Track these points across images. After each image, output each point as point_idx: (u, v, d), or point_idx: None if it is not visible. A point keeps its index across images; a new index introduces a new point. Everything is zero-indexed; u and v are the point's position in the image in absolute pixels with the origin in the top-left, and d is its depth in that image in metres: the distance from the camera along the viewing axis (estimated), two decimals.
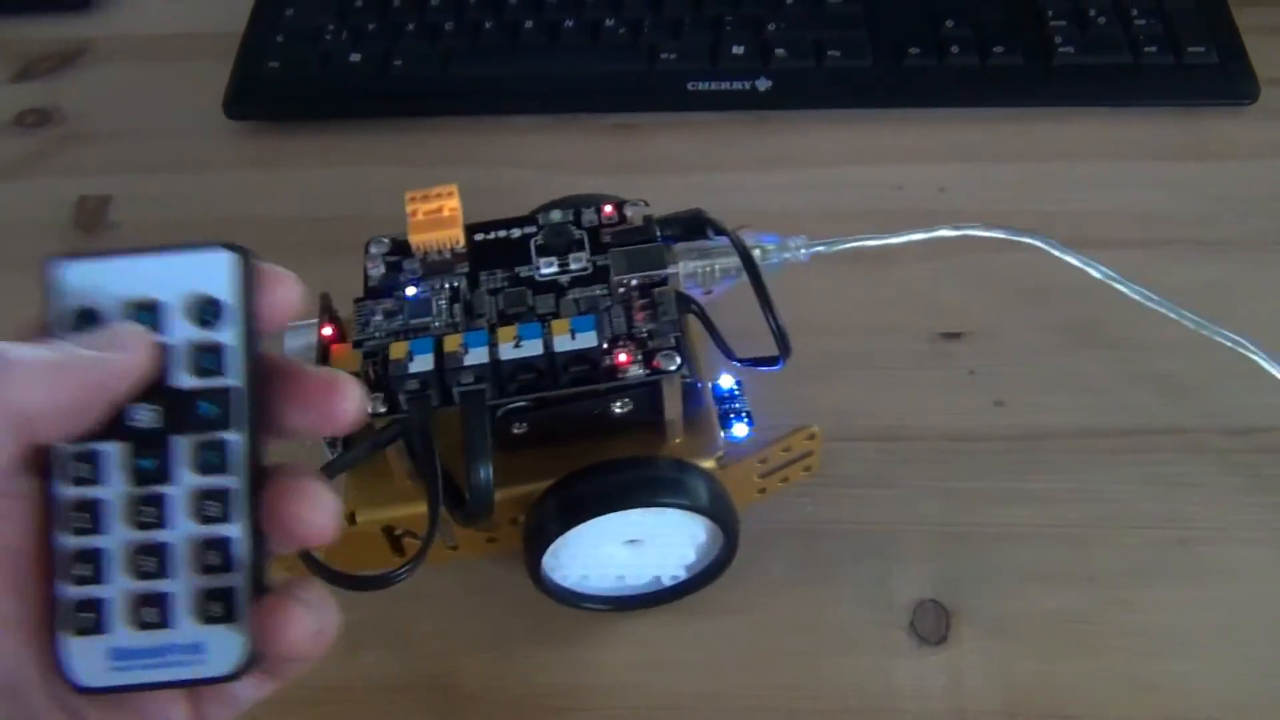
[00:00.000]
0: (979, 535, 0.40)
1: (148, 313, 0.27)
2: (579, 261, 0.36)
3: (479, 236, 0.37)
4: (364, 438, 0.34)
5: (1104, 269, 0.39)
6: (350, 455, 0.34)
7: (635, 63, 0.56)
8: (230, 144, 0.56)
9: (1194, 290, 0.42)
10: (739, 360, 0.37)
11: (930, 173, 0.52)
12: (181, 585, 0.27)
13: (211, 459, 0.27)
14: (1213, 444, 0.41)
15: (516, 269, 0.36)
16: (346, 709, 0.37)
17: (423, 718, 0.37)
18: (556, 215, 0.38)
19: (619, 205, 0.38)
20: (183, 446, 0.27)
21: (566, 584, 0.38)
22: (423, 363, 0.33)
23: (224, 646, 0.26)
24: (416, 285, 0.36)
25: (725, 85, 0.55)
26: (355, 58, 0.57)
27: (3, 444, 0.24)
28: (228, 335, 0.27)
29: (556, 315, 0.34)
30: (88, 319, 0.27)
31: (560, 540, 0.35)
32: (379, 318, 0.35)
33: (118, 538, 0.27)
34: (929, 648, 0.37)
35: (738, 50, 0.56)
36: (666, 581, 0.38)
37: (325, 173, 0.55)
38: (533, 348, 0.33)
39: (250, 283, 0.27)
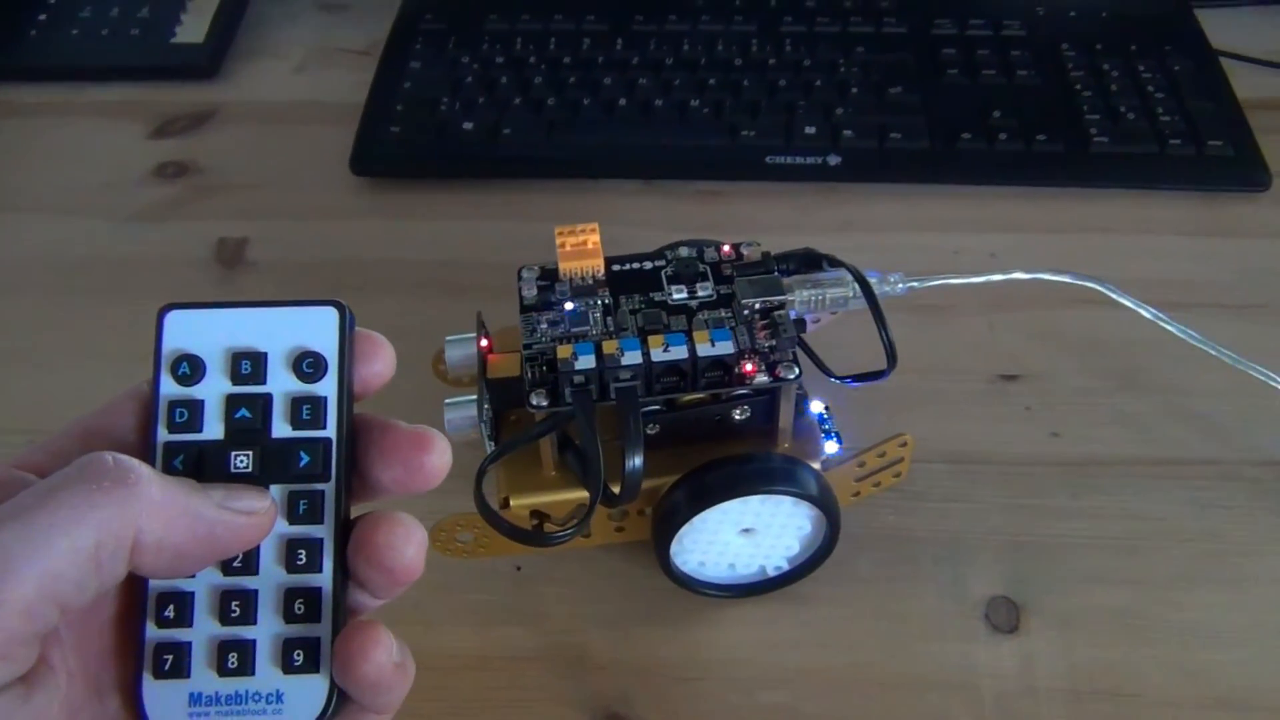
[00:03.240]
0: (1042, 544, 0.45)
1: (251, 362, 0.28)
2: (705, 289, 0.42)
3: (616, 267, 0.43)
4: (523, 431, 0.39)
5: (1154, 310, 0.46)
6: (511, 442, 0.39)
7: (718, 138, 0.63)
8: (355, 197, 0.63)
9: (1226, 343, 0.48)
10: (845, 378, 0.42)
11: (983, 240, 0.59)
12: (267, 632, 0.27)
13: (305, 509, 0.27)
14: (1245, 474, 0.47)
15: (651, 294, 0.42)
16: (489, 675, 0.42)
17: (557, 683, 0.42)
18: (684, 251, 0.44)
19: (735, 245, 0.44)
20: (277, 495, 0.27)
21: (686, 569, 0.43)
22: (586, 361, 0.38)
23: (304, 697, 0.27)
24: (573, 301, 0.42)
25: (800, 160, 0.62)
26: (468, 125, 0.64)
27: (113, 570, 0.25)
28: (328, 389, 0.28)
29: (690, 331, 0.40)
30: (192, 366, 0.28)
31: (687, 525, 0.40)
32: (544, 326, 0.41)
33: (206, 581, 0.27)
34: (1002, 635, 0.42)
35: (810, 130, 0.63)
36: (771, 572, 0.43)
37: (441, 224, 0.61)
38: (679, 352, 0.38)
39: (350, 339, 0.28)
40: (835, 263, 0.44)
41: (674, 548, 0.41)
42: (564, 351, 0.39)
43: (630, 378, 0.38)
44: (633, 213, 0.62)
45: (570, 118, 0.64)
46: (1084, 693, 0.41)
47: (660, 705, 0.41)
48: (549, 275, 0.43)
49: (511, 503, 0.41)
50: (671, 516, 0.40)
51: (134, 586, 0.27)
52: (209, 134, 0.67)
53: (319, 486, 0.28)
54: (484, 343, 0.42)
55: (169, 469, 0.28)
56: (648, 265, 0.44)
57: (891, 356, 0.41)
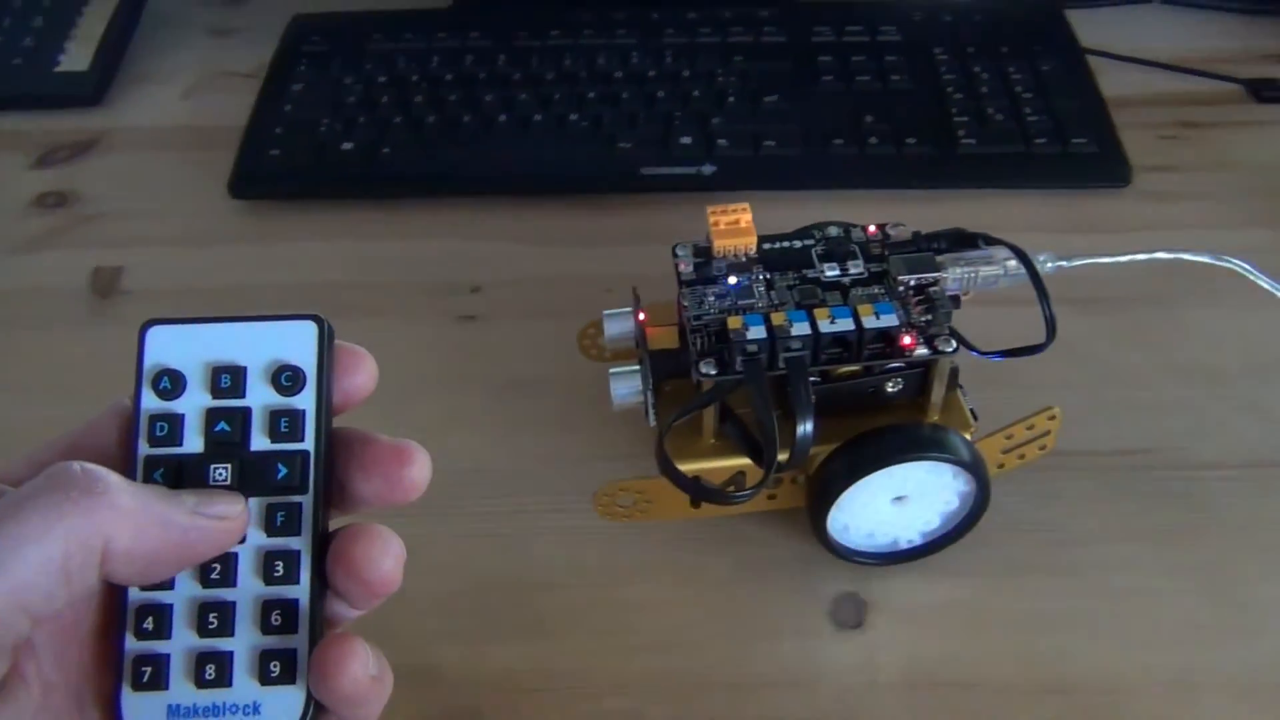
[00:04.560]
0: None
1: (230, 376, 0.28)
2: (857, 267, 0.43)
3: (766, 245, 0.44)
4: (695, 397, 0.41)
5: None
6: (689, 406, 0.40)
7: (595, 150, 0.64)
8: (235, 221, 0.63)
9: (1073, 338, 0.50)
10: (991, 353, 0.43)
11: None
12: (244, 644, 0.27)
13: (282, 521, 0.28)
14: (1084, 464, 0.48)
15: (804, 271, 0.43)
16: None
17: (406, 702, 0.42)
18: (833, 230, 0.45)
19: (881, 225, 0.45)
20: (255, 507, 0.28)
21: (837, 536, 0.44)
22: (757, 332, 0.39)
23: (281, 708, 0.27)
24: (735, 276, 0.42)
25: (675, 170, 0.63)
26: (348, 146, 0.64)
27: (83, 579, 0.25)
28: (306, 402, 0.28)
29: (853, 305, 0.41)
30: (173, 380, 0.28)
31: (847, 492, 0.41)
32: (711, 299, 0.42)
33: (185, 594, 0.27)
34: (847, 632, 0.43)
35: (686, 140, 0.64)
36: (922, 539, 0.45)
37: (321, 245, 0.61)
38: (845, 324, 0.40)
39: (330, 352, 0.29)
40: (991, 241, 0.45)
41: (830, 515, 0.42)
42: (734, 322, 0.40)
43: (800, 348, 0.39)
44: (513, 227, 0.62)
45: (450, 135, 0.65)
46: (922, 685, 0.42)
47: (509, 718, 0.41)
48: (703, 253, 0.44)
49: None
50: (831, 483, 0.41)
51: (114, 599, 0.28)
52: (92, 163, 0.67)
53: (297, 499, 0.28)
54: (642, 316, 0.43)
55: (149, 482, 0.28)
56: (797, 244, 0.44)
57: (1051, 330, 0.43)
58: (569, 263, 0.60)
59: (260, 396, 0.28)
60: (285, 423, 0.28)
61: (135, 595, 0.27)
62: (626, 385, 0.43)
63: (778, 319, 0.40)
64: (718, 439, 0.42)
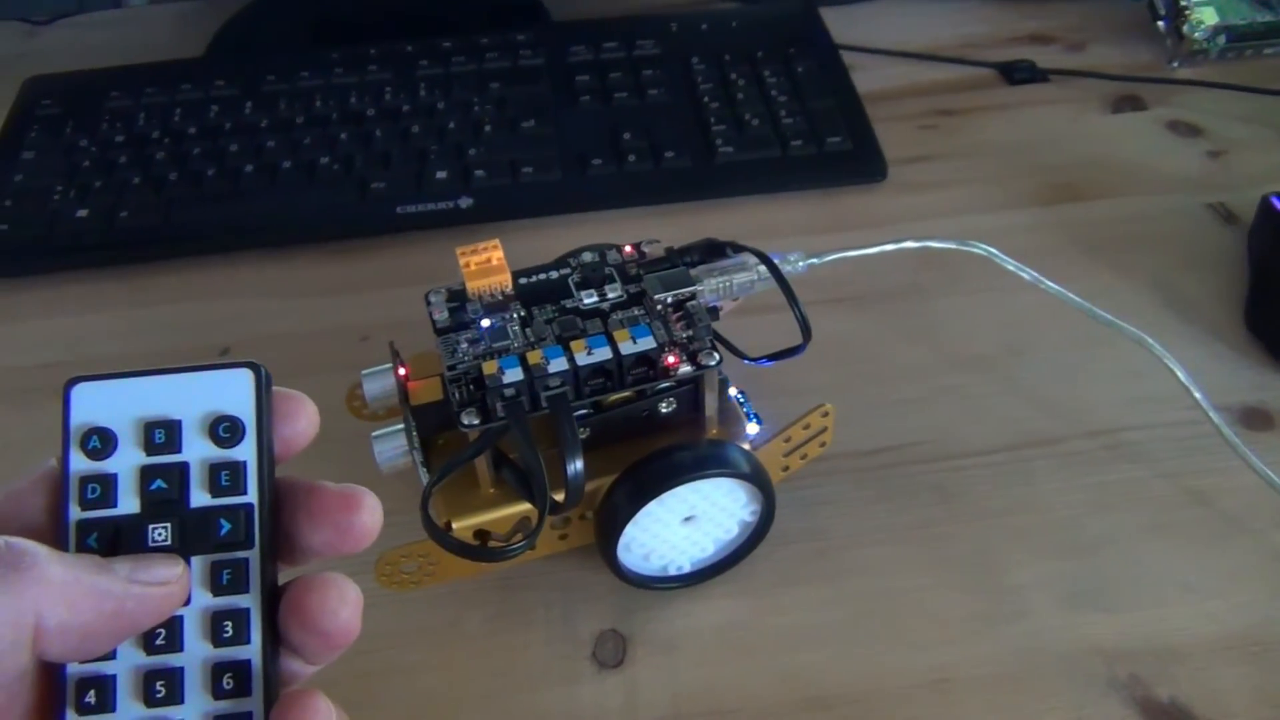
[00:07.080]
0: None
1: (164, 431, 0.27)
2: (615, 291, 0.42)
3: (523, 280, 0.43)
4: (459, 452, 0.38)
5: (1033, 273, 0.48)
6: (451, 464, 0.38)
7: (348, 194, 0.61)
8: None
9: (830, 337, 0.50)
10: (758, 358, 0.43)
11: None
12: (195, 711, 0.26)
13: (228, 578, 0.27)
14: (846, 466, 0.48)
15: (562, 302, 0.42)
16: None
17: None
18: (587, 256, 0.44)
19: (636, 245, 0.44)
20: (199, 566, 0.27)
21: (633, 567, 0.43)
22: (513, 374, 0.38)
23: None
24: (488, 318, 0.41)
25: (431, 206, 0.61)
26: (82, 213, 0.61)
27: (15, 660, 0.24)
28: (246, 453, 0.27)
29: (609, 332, 0.40)
30: (103, 439, 0.27)
31: (631, 523, 0.40)
32: (465, 345, 0.40)
33: (128, 663, 0.26)
34: (608, 671, 0.42)
35: (441, 175, 0.62)
36: (715, 556, 0.44)
37: (55, 322, 0.58)
38: (602, 353, 0.38)
39: (268, 400, 0.28)
40: (738, 248, 0.45)
41: (620, 547, 0.41)
42: (489, 367, 0.38)
43: (559, 384, 0.38)
44: (266, 282, 0.59)
45: (193, 192, 0.62)
46: (685, 717, 0.40)
47: None
48: (457, 296, 0.42)
49: (454, 526, 0.40)
50: (614, 516, 0.40)
51: (52, 674, 0.26)
52: None
53: (242, 554, 0.27)
54: (402, 371, 0.41)
55: (83, 548, 0.27)
56: (554, 275, 0.43)
57: (806, 331, 0.42)
58: (325, 314, 0.58)
59: (197, 450, 0.27)
60: (225, 476, 0.27)
61: (74, 668, 0.26)
62: (390, 447, 0.41)
63: (534, 357, 0.39)
64: (496, 487, 0.41)
